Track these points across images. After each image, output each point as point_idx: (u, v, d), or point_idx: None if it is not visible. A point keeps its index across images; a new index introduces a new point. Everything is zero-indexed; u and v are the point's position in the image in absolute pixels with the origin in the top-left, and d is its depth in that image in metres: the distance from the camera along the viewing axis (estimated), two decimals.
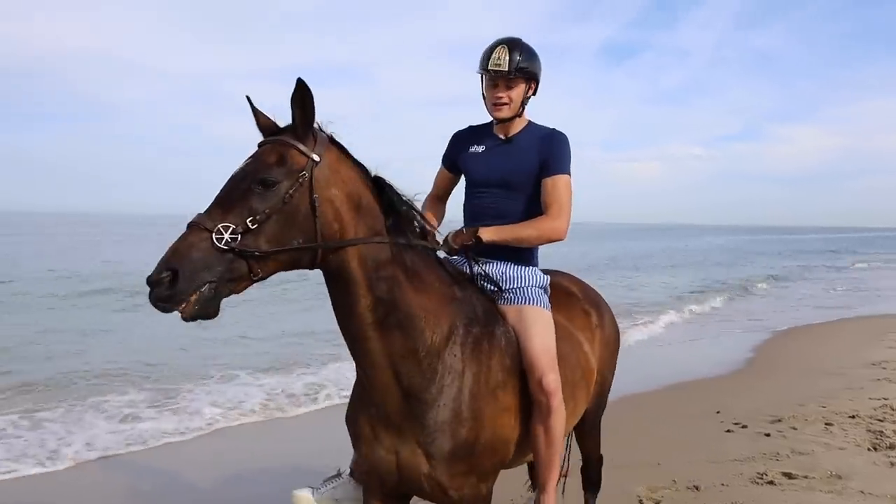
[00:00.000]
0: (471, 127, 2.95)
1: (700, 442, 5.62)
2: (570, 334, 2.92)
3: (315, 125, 2.15)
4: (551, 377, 2.52)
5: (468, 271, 2.67)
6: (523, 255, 2.80)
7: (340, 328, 2.30)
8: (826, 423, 6.00)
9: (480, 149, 2.84)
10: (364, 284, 2.19)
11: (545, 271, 2.96)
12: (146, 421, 6.26)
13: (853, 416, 6.18)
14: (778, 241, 77.20)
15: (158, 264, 1.91)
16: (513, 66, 2.67)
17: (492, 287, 2.70)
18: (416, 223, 2.36)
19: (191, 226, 1.96)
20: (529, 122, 2.86)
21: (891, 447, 5.29)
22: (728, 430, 5.95)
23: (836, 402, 6.80)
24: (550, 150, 2.75)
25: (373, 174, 2.29)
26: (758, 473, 4.76)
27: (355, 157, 2.27)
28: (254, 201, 1.99)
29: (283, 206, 2.01)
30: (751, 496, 4.40)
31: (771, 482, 4.62)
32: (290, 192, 2.02)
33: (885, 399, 6.80)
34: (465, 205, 2.93)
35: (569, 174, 2.76)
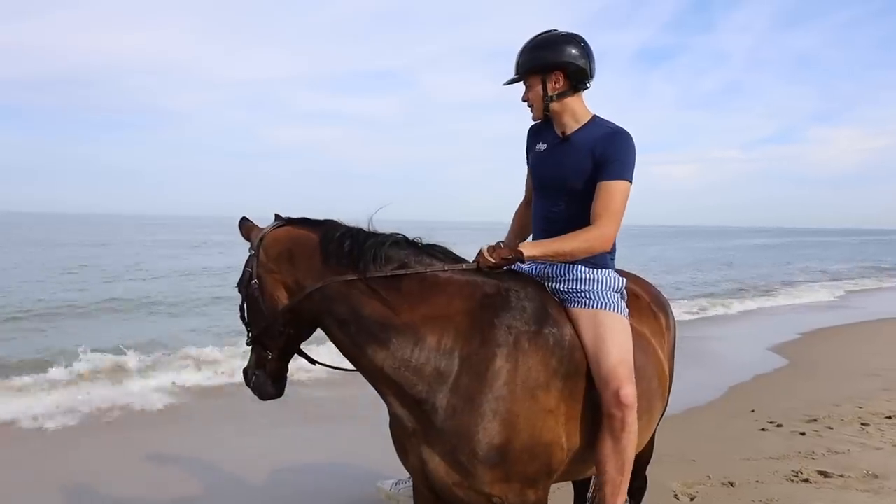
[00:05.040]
0: (540, 121, 2.72)
1: (735, 440, 5.66)
2: (647, 342, 2.73)
3: (265, 226, 2.52)
4: (629, 390, 2.34)
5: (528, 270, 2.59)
6: (597, 256, 2.56)
7: None
8: (862, 424, 6.00)
9: (543, 147, 2.66)
10: (324, 313, 2.36)
11: None
12: None
13: (889, 417, 6.17)
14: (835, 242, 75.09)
15: None
16: (519, 69, 2.60)
17: (557, 287, 2.56)
18: (361, 255, 2.34)
19: None
20: (594, 117, 2.61)
21: None
22: (763, 429, 5.97)
23: (873, 402, 6.77)
24: (609, 151, 2.48)
25: (322, 220, 2.47)
26: (793, 471, 4.79)
27: (304, 218, 2.50)
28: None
29: (247, 301, 2.51)
30: (786, 493, 4.43)
31: (806, 480, 4.65)
32: (245, 289, 2.51)
33: None
34: (534, 208, 2.73)
35: (628, 181, 2.48)
